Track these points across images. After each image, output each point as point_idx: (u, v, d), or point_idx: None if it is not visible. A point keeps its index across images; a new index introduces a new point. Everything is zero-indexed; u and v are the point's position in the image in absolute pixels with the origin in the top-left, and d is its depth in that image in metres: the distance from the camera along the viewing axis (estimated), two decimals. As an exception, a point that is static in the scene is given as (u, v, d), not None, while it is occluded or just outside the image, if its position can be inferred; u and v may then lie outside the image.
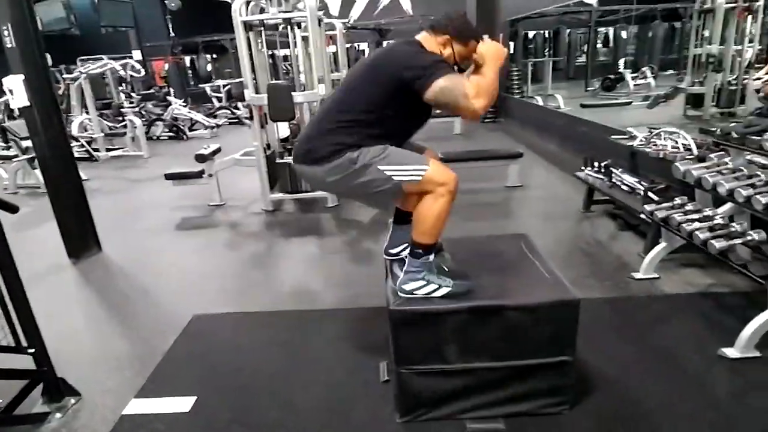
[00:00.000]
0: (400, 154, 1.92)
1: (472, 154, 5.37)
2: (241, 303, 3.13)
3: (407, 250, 2.04)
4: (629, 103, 9.16)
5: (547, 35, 15.15)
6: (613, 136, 4.30)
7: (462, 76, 1.84)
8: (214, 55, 15.47)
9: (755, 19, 7.86)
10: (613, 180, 3.88)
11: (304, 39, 5.08)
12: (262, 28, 4.67)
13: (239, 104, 11.41)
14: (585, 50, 15.99)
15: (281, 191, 4.92)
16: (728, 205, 2.97)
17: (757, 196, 2.37)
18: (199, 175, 5.14)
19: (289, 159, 4.82)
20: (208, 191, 5.29)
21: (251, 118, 4.73)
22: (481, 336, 1.92)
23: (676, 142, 3.68)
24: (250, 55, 4.60)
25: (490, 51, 1.89)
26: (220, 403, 2.21)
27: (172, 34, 7.53)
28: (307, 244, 4.09)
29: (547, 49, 14.84)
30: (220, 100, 12.02)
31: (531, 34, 14.44)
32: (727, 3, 7.70)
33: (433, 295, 1.95)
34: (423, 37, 1.96)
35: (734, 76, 7.83)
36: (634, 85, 11.56)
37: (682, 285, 3.03)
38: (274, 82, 4.70)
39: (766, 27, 9.96)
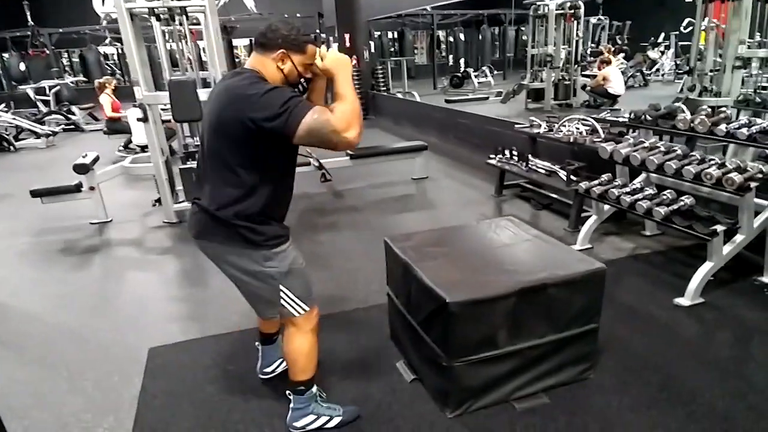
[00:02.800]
0: (305, 284, 1.83)
1: (380, 149, 5.40)
2: (199, 327, 2.75)
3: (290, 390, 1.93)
4: (486, 98, 10.03)
5: (394, 36, 15.88)
6: (516, 126, 4.70)
7: (322, 108, 1.57)
8: (24, 53, 13.16)
9: (579, 23, 9.20)
10: (530, 165, 4.23)
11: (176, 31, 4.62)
12: (154, 18, 4.12)
13: (73, 108, 9.92)
14: (425, 50, 17.18)
15: (187, 199, 4.41)
16: (642, 177, 3.46)
17: (689, 167, 2.79)
18: (77, 188, 4.36)
19: (192, 163, 4.35)
20: (83, 208, 4.52)
21: (145, 119, 4.15)
22: (527, 315, 1.97)
23: (579, 128, 4.16)
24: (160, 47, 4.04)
25: (336, 63, 1.64)
26: (247, 439, 1.93)
27: (31, 23, 6.14)
28: (241, 253, 3.73)
29: (395, 49, 15.57)
30: (46, 104, 10.26)
31: (377, 34, 14.97)
32: (557, 10, 8.86)
33: (327, 426, 1.93)
34: (257, 61, 1.66)
35: (567, 73, 9.06)
36: (478, 82, 12.73)
37: (613, 251, 3.44)
38: (176, 77, 4.19)
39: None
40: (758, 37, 5.84)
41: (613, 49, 11.78)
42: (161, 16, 4.27)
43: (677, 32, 12.31)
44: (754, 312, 2.61)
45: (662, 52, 13.19)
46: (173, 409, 2.13)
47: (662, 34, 13.67)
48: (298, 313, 1.81)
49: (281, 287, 1.75)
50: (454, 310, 1.84)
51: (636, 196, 3.09)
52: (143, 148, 6.65)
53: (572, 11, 8.92)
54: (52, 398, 2.25)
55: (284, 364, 2.25)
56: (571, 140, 4.04)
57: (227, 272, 1.79)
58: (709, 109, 3.15)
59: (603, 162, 3.45)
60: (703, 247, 3.19)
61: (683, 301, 2.73)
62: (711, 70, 5.96)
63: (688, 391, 2.06)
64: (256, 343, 2.25)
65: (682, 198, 2.93)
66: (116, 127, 7.22)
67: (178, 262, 3.66)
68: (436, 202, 4.80)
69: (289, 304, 1.78)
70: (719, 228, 2.67)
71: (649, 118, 3.31)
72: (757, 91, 5.86)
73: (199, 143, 1.82)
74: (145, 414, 2.10)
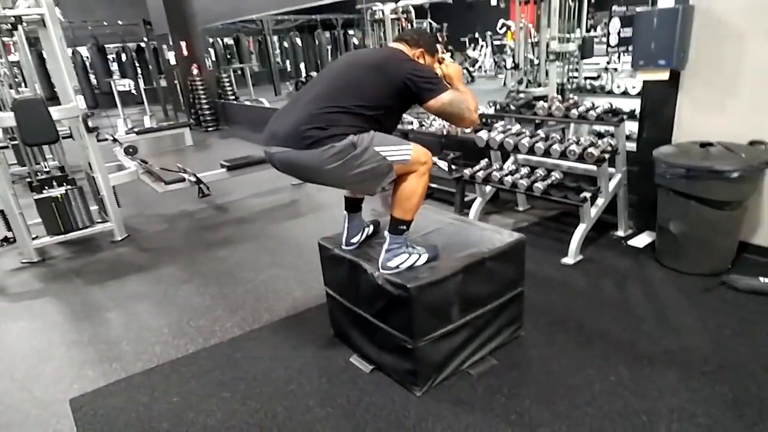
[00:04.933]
0: (387, 137, 2.02)
1: (254, 158, 5.26)
2: (120, 367, 2.49)
3: (387, 230, 2.13)
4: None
5: (224, 43, 15.26)
6: (390, 123, 4.97)
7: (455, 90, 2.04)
8: None
9: (412, 26, 9.91)
10: (411, 158, 4.52)
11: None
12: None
13: None
14: (258, 56, 16.83)
15: (49, 233, 3.87)
16: (511, 159, 3.95)
17: (555, 146, 3.28)
18: None
19: (52, 191, 3.83)
20: None
21: (-15, 146, 3.55)
22: (472, 288, 2.19)
23: (448, 121, 4.57)
24: None
25: (454, 72, 2.16)
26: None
27: None
28: (137, 283, 3.41)
29: (232, 56, 15.01)
30: None
31: (213, 40, 14.36)
32: (391, 14, 9.43)
33: (416, 264, 2.10)
34: (403, 48, 2.12)
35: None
36: (323, 86, 12.94)
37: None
38: (23, 96, 3.64)
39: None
40: (555, 33, 6.81)
41: (445, 49, 12.88)
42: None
43: (490, 32, 13.94)
44: (622, 260, 3.19)
45: (480, 51, 14.75)
46: (128, 456, 1.94)
47: (477, 34, 15.33)
48: (407, 154, 1.96)
49: (375, 149, 1.92)
50: (415, 294, 1.99)
51: (515, 176, 3.53)
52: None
53: (405, 15, 9.62)
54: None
55: (368, 231, 2.40)
56: (444, 133, 4.43)
57: (326, 176, 1.98)
58: (560, 97, 3.72)
59: (475, 149, 3.86)
60: (568, 214, 3.79)
61: (568, 260, 3.22)
62: (531, 65, 6.88)
63: (597, 331, 2.47)
64: (344, 212, 2.32)
65: (553, 173, 3.44)
66: None
67: (60, 303, 3.22)
68: (325, 204, 4.86)
69: (392, 155, 1.94)
70: (587, 195, 3.20)
71: (512, 107, 3.79)
72: (569, 79, 6.93)
73: (311, 82, 2.12)
74: (96, 469, 1.88)
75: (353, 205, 2.32)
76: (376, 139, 1.94)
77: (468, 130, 4.32)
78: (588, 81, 6.61)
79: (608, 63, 7.81)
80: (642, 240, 3.39)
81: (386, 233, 2.12)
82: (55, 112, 3.64)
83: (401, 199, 2.06)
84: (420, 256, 2.12)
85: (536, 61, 6.62)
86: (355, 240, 2.32)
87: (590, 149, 3.14)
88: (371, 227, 2.44)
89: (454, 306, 2.14)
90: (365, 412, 2.05)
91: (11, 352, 2.73)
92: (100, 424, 2.11)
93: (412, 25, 9.82)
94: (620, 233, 3.51)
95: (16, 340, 2.85)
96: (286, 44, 16.33)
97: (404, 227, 2.10)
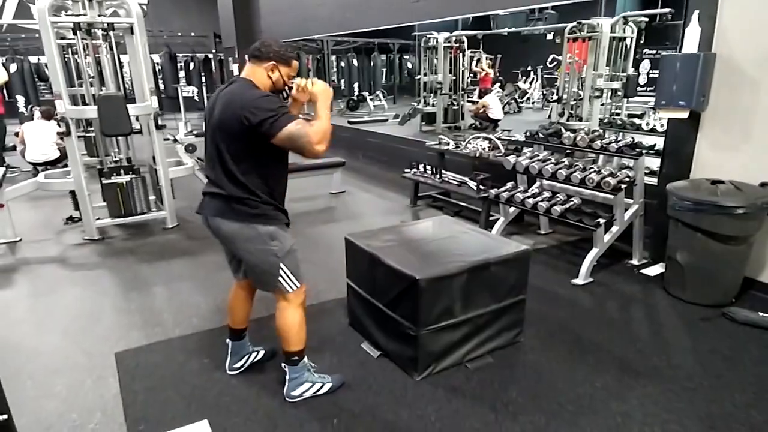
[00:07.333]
0: (297, 264, 2.13)
1: (298, 165, 5.65)
2: (160, 331, 2.84)
3: (284, 362, 2.21)
4: (386, 120, 10.67)
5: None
6: (428, 143, 5.27)
7: (303, 121, 1.87)
8: None
9: (464, 55, 10.25)
10: (443, 177, 4.80)
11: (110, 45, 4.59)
12: (78, 31, 4.07)
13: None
14: (315, 74, 17.62)
15: (111, 215, 4.34)
16: (537, 184, 4.15)
17: (576, 173, 3.48)
18: (-18, 206, 4.11)
19: (118, 178, 4.31)
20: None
21: (68, 133, 4.05)
22: (475, 289, 2.42)
23: (482, 145, 4.82)
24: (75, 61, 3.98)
25: (321, 92, 1.99)
26: (242, 422, 2.14)
27: None
28: (182, 265, 3.80)
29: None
30: None
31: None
32: (444, 42, 9.80)
33: (320, 392, 2.22)
34: (250, 70, 1.98)
35: (455, 98, 10.01)
36: (374, 106, 13.44)
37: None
38: (106, 92, 4.15)
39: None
40: (607, 71, 7.00)
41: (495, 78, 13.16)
42: (78, 31, 4.23)
43: (542, 66, 14.15)
44: (630, 286, 3.33)
45: (531, 83, 14.95)
46: (161, 400, 2.26)
47: (529, 67, 15.55)
48: (291, 288, 2.11)
49: (281, 264, 2.05)
50: (423, 286, 2.24)
51: (536, 199, 3.74)
52: (36, 166, 6.31)
53: (457, 44, 9.97)
54: (24, 405, 2.24)
55: (253, 357, 2.47)
56: (477, 155, 4.68)
57: (238, 250, 2.08)
58: (586, 129, 3.92)
59: (505, 172, 4.09)
60: (587, 240, 3.93)
61: (578, 281, 3.38)
62: (574, 99, 7.03)
63: (593, 344, 2.64)
64: (227, 340, 2.44)
65: (572, 198, 3.62)
66: None
67: (114, 276, 3.64)
68: (359, 212, 5.19)
69: (285, 280, 2.08)
70: (601, 221, 3.37)
71: (541, 136, 4.01)
72: (612, 115, 7.05)
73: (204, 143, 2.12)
74: (134, 407, 2.20)
75: (235, 335, 2.41)
76: (289, 255, 2.07)
77: (499, 155, 4.56)
78: (631, 118, 6.72)
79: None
80: (654, 270, 3.51)
81: (284, 365, 2.21)
82: (132, 108, 4.12)
83: (283, 335, 2.16)
84: (323, 384, 2.23)
85: (581, 95, 6.79)
86: (237, 366, 2.43)
87: (608, 178, 3.32)
88: (260, 353, 2.50)
89: (457, 302, 2.37)
90: (368, 389, 2.30)
91: (67, 312, 3.13)
92: (140, 374, 2.45)
93: (463, 55, 10.25)
94: (634, 262, 3.65)
95: (72, 302, 3.26)
96: (342, 64, 17.06)
97: (296, 357, 2.18)
